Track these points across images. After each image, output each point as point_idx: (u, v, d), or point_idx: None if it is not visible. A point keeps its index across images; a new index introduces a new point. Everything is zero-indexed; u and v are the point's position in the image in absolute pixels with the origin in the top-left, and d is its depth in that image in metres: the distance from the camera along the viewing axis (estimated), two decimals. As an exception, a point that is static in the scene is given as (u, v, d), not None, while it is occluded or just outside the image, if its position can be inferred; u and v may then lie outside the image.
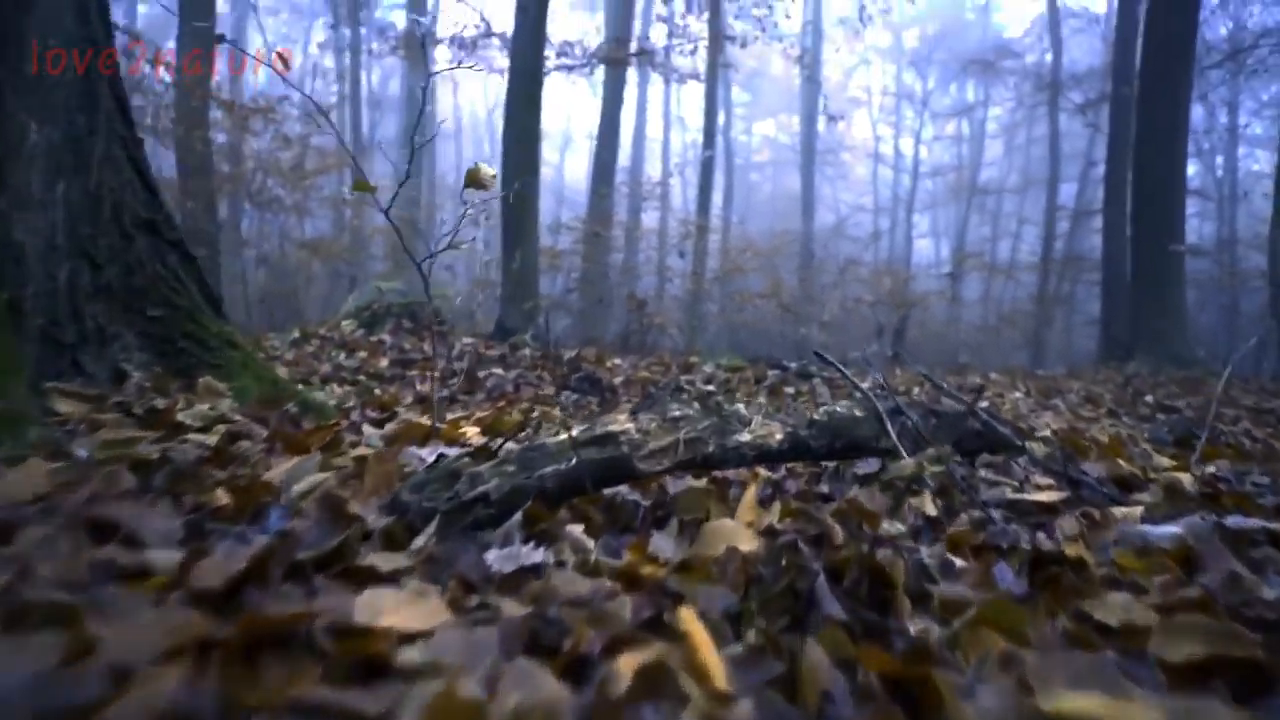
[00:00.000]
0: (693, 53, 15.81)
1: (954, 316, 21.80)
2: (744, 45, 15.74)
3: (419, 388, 4.94)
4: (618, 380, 5.59)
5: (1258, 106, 29.55)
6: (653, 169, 34.14)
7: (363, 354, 5.67)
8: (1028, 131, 31.62)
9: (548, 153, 38.61)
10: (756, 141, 44.91)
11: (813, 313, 16.97)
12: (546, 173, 38.90)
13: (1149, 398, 6.70)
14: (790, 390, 5.82)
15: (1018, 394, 6.34)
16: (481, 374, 5.34)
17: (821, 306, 17.11)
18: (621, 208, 20.94)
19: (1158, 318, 11.80)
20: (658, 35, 18.51)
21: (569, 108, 39.94)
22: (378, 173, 23.81)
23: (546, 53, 12.42)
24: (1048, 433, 3.29)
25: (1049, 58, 26.43)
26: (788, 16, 16.25)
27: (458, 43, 15.37)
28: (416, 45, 17.14)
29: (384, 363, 5.42)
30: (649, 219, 23.82)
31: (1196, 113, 18.01)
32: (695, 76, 16.09)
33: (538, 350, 5.66)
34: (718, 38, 15.75)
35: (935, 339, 20.42)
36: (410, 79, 22.86)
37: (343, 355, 5.54)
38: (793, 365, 6.74)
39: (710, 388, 5.52)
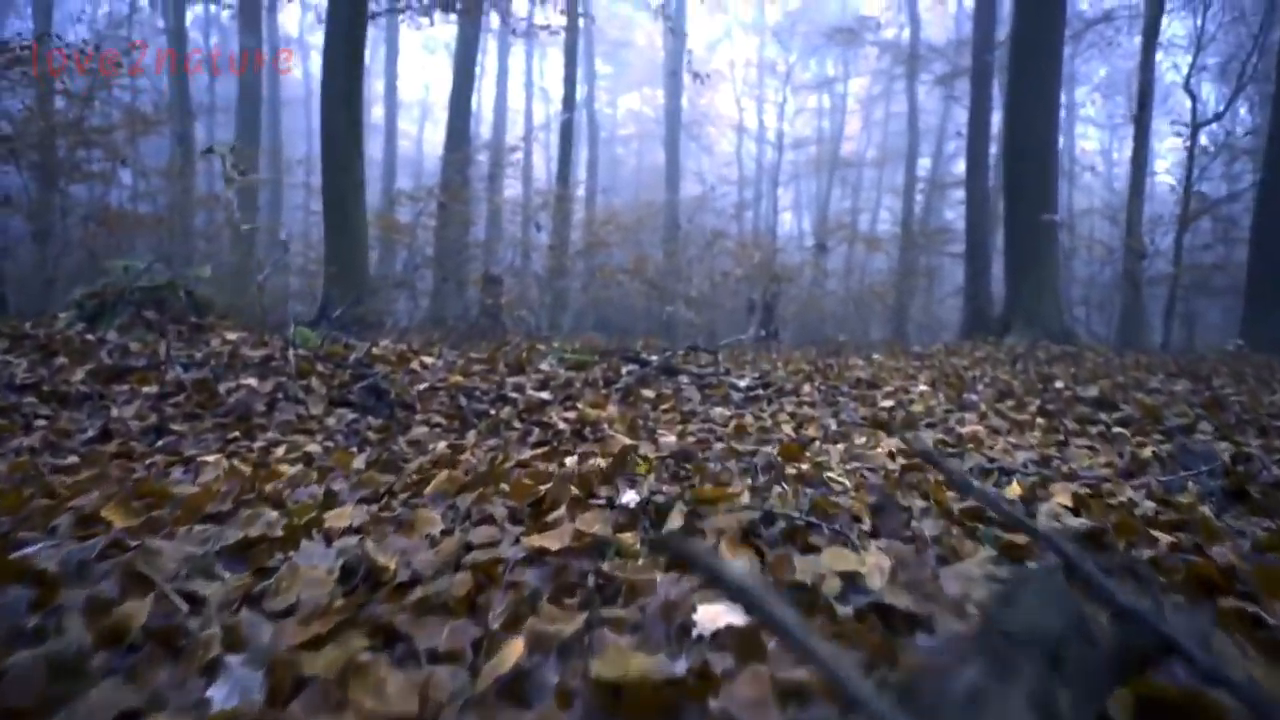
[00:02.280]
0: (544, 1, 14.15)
1: (819, 290, 21.00)
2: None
3: (117, 413, 3.35)
4: (420, 387, 4.11)
5: (1091, 87, 30.02)
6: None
7: (61, 360, 4.01)
8: (886, 106, 31.28)
9: (404, 124, 36.25)
10: (621, 115, 43.48)
11: (679, 288, 15.71)
12: (404, 145, 36.55)
13: (1059, 384, 5.65)
14: (650, 394, 4.47)
15: (922, 387, 5.17)
16: (229, 385, 3.78)
17: (689, 281, 15.86)
18: (483, 183, 19.17)
19: (1032, 290, 11.04)
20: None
21: (427, 78, 37.62)
22: (204, 141, 21.36)
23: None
24: (1063, 508, 2.03)
25: (906, 35, 25.97)
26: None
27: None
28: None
29: (79, 374, 3.78)
30: (511, 193, 22.19)
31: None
32: (548, 29, 14.45)
33: (318, 348, 4.12)
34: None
35: (802, 313, 19.56)
36: (243, 38, 20.43)
37: (22, 365, 3.86)
38: (653, 358, 5.38)
39: (544, 396, 4.10)
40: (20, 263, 12.69)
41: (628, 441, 3.30)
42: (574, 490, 1.93)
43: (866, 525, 1.75)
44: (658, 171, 30.30)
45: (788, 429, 3.76)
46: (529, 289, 14.60)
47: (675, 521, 1.65)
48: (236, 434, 3.29)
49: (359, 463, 2.96)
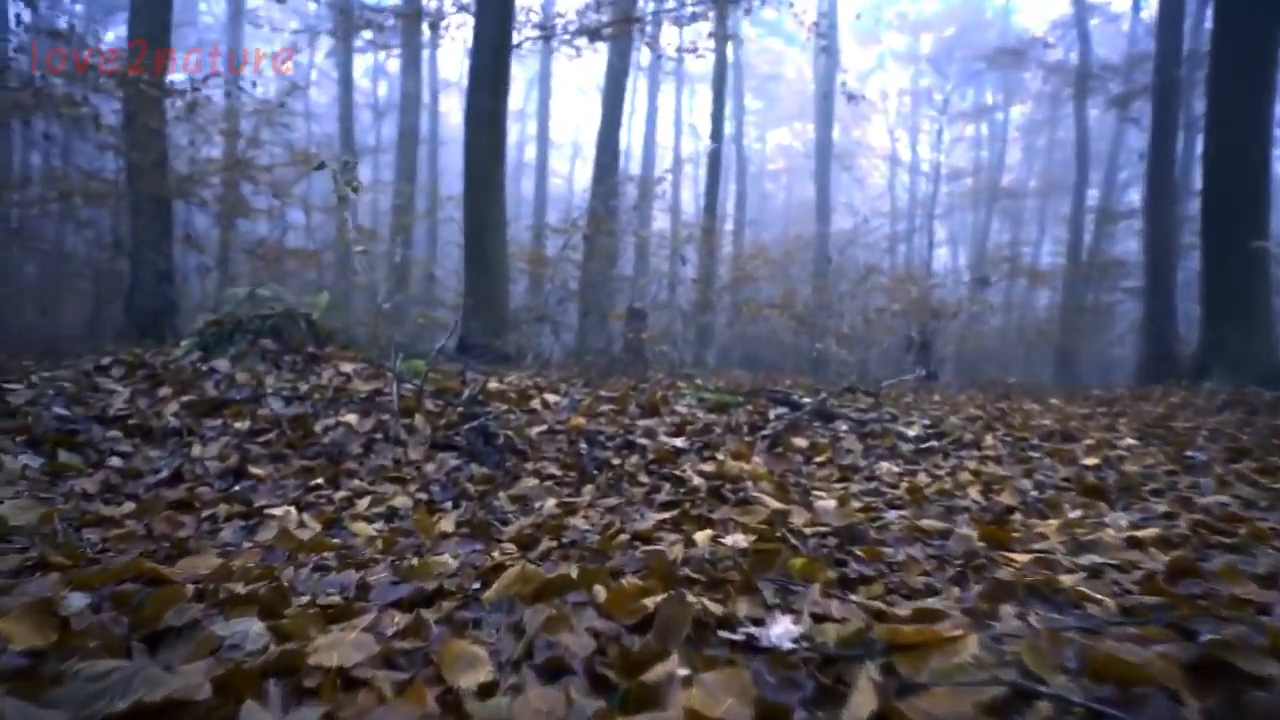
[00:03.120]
0: (692, 19, 13.69)
1: (978, 327, 19.60)
2: (748, 12, 13.61)
3: (199, 452, 2.96)
4: (537, 430, 3.58)
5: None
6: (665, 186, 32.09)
7: (165, 391, 3.70)
8: (1051, 133, 29.42)
9: (556, 163, 36.76)
10: (770, 150, 42.82)
11: (830, 324, 14.83)
12: (556, 184, 37.06)
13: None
14: (802, 443, 3.78)
15: (1129, 440, 4.26)
16: (327, 422, 3.35)
17: (840, 317, 14.97)
18: (629, 216, 18.85)
19: (1238, 327, 9.64)
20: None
21: (578, 119, 38.10)
22: (367, 178, 22.07)
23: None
24: None
25: (1074, 56, 24.25)
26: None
27: (428, 17, 13.43)
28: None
29: (174, 406, 3.43)
30: (659, 226, 21.87)
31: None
32: (695, 50, 13.98)
33: (424, 382, 3.66)
34: (723, 3, 13.60)
35: (959, 351, 18.26)
36: (404, 81, 21.03)
37: (124, 395, 3.55)
38: (806, 400, 4.69)
39: (678, 443, 3.49)
40: (191, 296, 13.19)
41: (776, 505, 2.66)
42: (695, 605, 1.30)
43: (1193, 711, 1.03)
44: (807, 206, 29.44)
45: (974, 493, 3.01)
46: (673, 323, 14.08)
47: (863, 704, 0.99)
48: (321, 480, 2.83)
49: (447, 523, 2.44)
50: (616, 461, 3.20)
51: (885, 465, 3.47)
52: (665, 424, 3.93)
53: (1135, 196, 28.73)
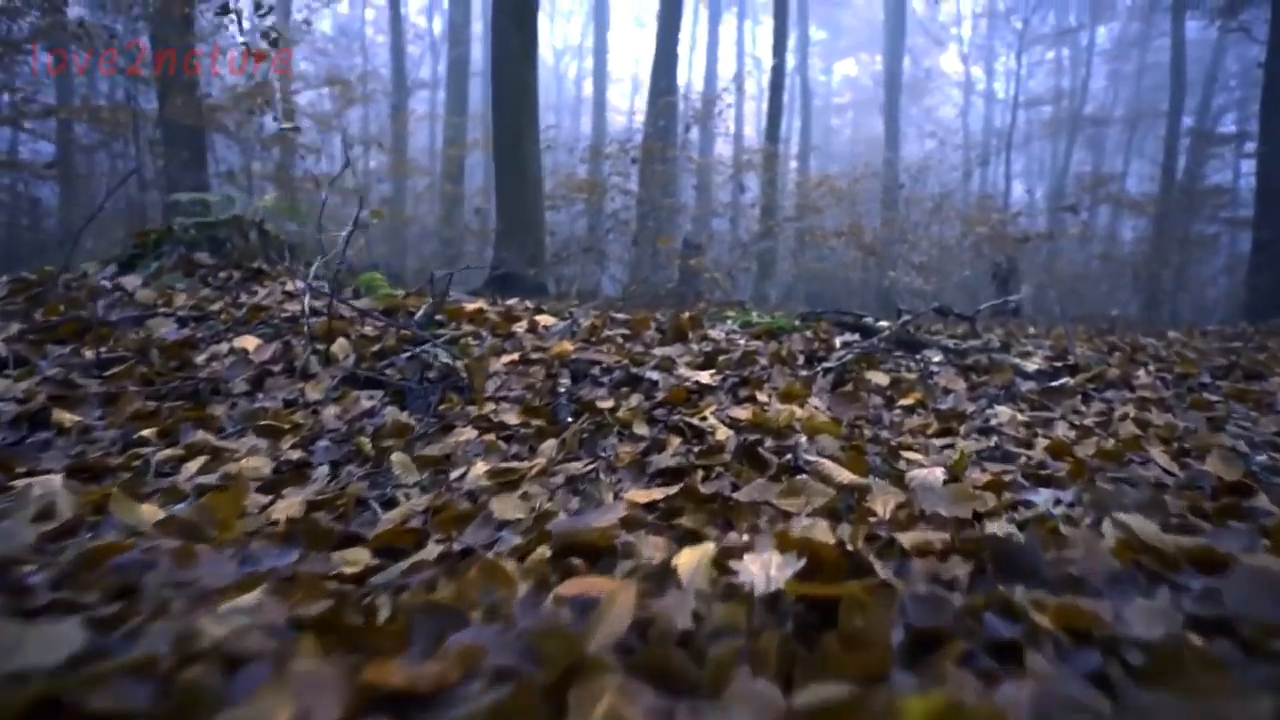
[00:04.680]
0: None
1: (1061, 258, 17.84)
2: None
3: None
4: (506, 361, 2.50)
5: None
6: (728, 117, 30.40)
7: (39, 313, 2.71)
8: (1141, 56, 26.87)
9: (615, 98, 35.21)
10: (837, 82, 40.51)
11: (901, 253, 13.39)
12: (617, 120, 35.52)
13: None
14: (881, 380, 2.63)
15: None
16: (217, 350, 2.34)
17: (912, 246, 13.51)
18: (692, 149, 17.40)
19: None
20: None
21: (637, 52, 36.40)
22: (419, 111, 21.05)
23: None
24: None
25: (1169, -34, 21.79)
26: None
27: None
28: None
29: (10, 332, 2.45)
30: (722, 154, 20.43)
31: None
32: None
33: (367, 296, 2.60)
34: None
35: (1039, 285, 16.60)
36: (453, 11, 19.84)
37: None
38: (884, 324, 3.51)
39: (702, 378, 2.37)
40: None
41: (845, 477, 1.57)
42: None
43: None
44: (874, 142, 27.50)
45: (1158, 456, 1.86)
46: (733, 255, 12.82)
47: None
48: (150, 432, 1.84)
49: (289, 507, 1.41)
50: (608, 404, 2.11)
51: (1004, 410, 2.32)
52: (691, 352, 2.82)
53: (1232, 124, 26.24)
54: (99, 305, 2.84)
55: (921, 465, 1.72)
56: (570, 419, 1.98)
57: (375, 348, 2.46)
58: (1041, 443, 1.99)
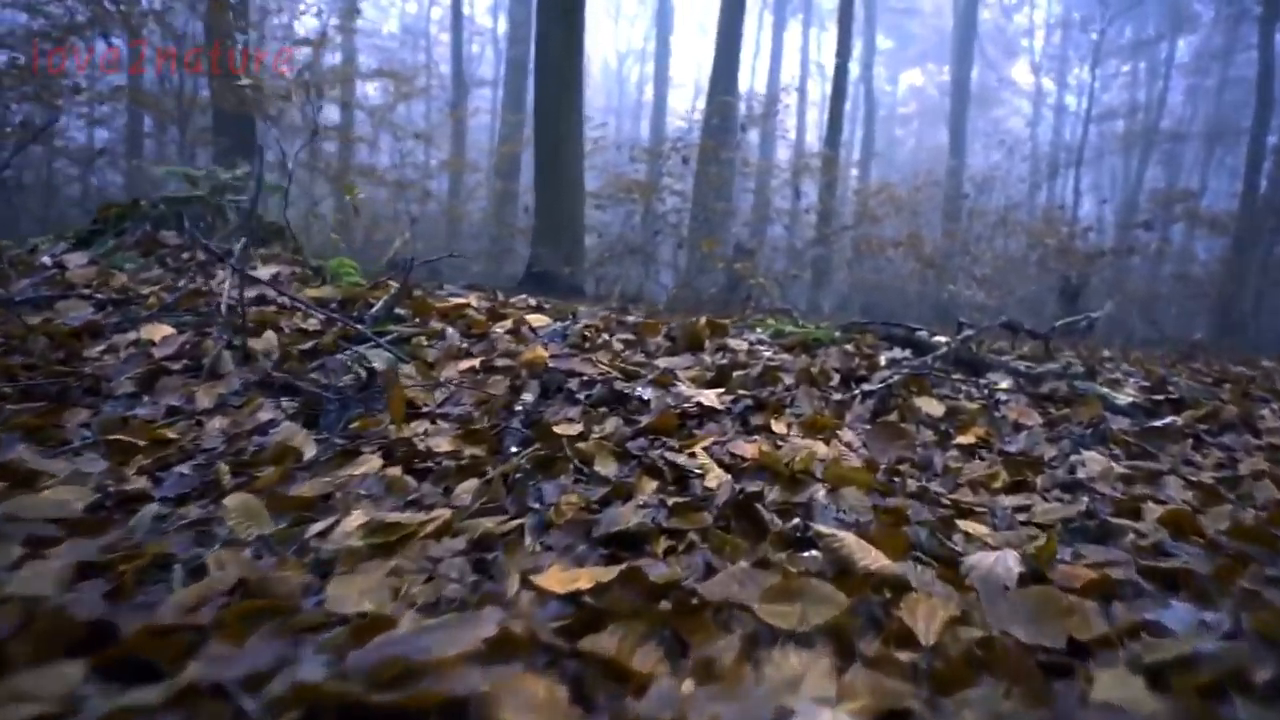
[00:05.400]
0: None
1: (1127, 277, 16.84)
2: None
3: None
4: (460, 367, 2.02)
5: None
6: (788, 122, 29.62)
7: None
8: (1223, 68, 25.50)
9: (676, 102, 34.69)
10: (902, 92, 39.45)
11: (963, 265, 12.65)
12: (677, 124, 35.00)
13: None
14: (933, 410, 2.08)
15: None
16: (118, 340, 1.90)
17: (974, 259, 12.75)
18: (751, 153, 16.78)
19: None
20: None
21: (699, 58, 35.83)
22: (480, 109, 20.79)
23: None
24: None
25: (1258, -23, 20.56)
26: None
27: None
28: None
29: None
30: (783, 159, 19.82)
31: None
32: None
33: (357, 289, 2.15)
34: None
35: (1108, 303, 15.63)
36: (513, 9, 19.57)
37: None
38: (940, 340, 2.95)
39: (705, 398, 1.86)
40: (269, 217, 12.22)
41: (873, 561, 1.04)
42: None
43: None
44: (939, 153, 26.53)
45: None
46: (786, 262, 12.20)
47: None
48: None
49: (26, 575, 0.93)
50: (572, 430, 1.61)
51: (1095, 458, 1.77)
52: (701, 365, 2.31)
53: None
54: (21, 284, 2.45)
55: (987, 543, 1.20)
56: (515, 449, 1.49)
57: (309, 344, 2.01)
58: (1152, 510, 1.44)
